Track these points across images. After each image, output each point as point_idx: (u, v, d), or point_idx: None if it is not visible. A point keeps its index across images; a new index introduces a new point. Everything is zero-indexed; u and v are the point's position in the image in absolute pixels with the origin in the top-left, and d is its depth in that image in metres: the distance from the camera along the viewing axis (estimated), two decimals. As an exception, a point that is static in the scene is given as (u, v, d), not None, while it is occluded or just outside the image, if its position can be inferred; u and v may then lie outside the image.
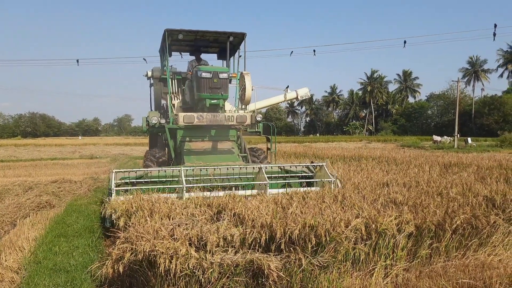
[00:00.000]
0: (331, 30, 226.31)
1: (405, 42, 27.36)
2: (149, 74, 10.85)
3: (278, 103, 13.62)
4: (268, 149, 10.83)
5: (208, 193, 6.32)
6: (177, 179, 6.83)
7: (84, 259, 5.38)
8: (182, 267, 3.84)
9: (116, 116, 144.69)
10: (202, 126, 8.98)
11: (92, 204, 9.10)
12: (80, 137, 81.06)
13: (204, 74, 8.54)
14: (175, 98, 10.42)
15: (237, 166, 7.38)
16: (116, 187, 6.30)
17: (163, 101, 11.13)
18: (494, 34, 23.21)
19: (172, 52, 10.62)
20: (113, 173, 6.45)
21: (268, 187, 6.73)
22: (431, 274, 4.57)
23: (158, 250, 3.89)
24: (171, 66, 10.45)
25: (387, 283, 4.37)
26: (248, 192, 6.80)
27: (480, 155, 20.18)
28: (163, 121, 9.33)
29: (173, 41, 9.67)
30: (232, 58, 10.49)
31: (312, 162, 8.17)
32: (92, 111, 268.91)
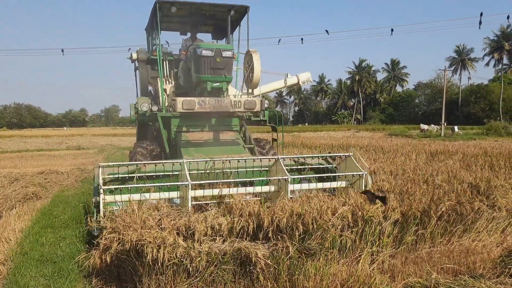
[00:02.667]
0: (319, 19, 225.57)
1: (392, 30, 27.49)
2: (134, 56, 9.57)
3: (279, 88, 12.77)
4: (274, 140, 9.55)
5: (217, 190, 5.34)
6: (177, 174, 5.76)
7: (71, 250, 5.34)
8: (170, 256, 3.85)
9: (104, 107, 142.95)
10: (203, 114, 7.78)
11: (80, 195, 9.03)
12: (65, 128, 79.87)
13: (204, 52, 7.31)
14: (167, 82, 9.18)
15: (251, 159, 6.18)
16: (104, 185, 5.11)
17: (150, 87, 9.98)
18: (480, 23, 23.34)
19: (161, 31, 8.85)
20: (100, 169, 5.20)
21: (288, 183, 5.50)
22: (417, 260, 4.65)
23: (146, 239, 3.89)
24: (162, 45, 8.98)
25: (373, 269, 4.42)
26: (265, 188, 5.77)
27: (466, 143, 20.51)
28: (155, 108, 8.20)
29: (164, 16, 8.40)
30: (230, 36, 9.24)
31: (329, 153, 7.19)
32: (79, 101, 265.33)
